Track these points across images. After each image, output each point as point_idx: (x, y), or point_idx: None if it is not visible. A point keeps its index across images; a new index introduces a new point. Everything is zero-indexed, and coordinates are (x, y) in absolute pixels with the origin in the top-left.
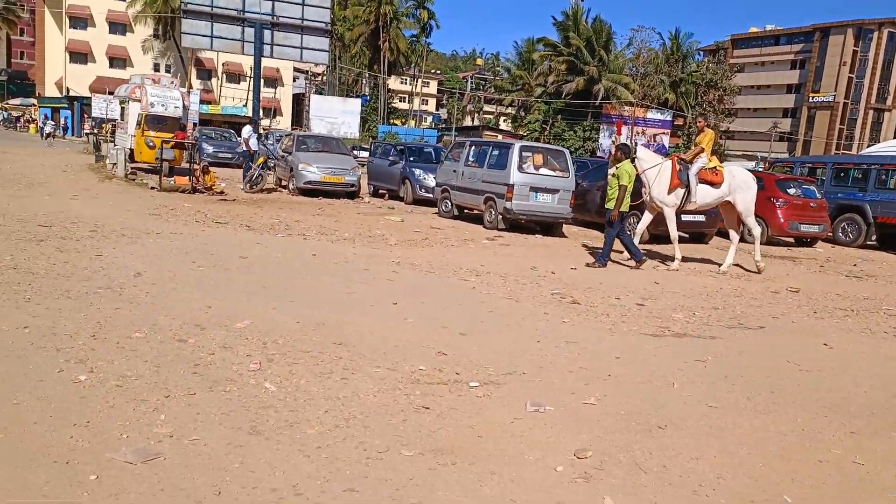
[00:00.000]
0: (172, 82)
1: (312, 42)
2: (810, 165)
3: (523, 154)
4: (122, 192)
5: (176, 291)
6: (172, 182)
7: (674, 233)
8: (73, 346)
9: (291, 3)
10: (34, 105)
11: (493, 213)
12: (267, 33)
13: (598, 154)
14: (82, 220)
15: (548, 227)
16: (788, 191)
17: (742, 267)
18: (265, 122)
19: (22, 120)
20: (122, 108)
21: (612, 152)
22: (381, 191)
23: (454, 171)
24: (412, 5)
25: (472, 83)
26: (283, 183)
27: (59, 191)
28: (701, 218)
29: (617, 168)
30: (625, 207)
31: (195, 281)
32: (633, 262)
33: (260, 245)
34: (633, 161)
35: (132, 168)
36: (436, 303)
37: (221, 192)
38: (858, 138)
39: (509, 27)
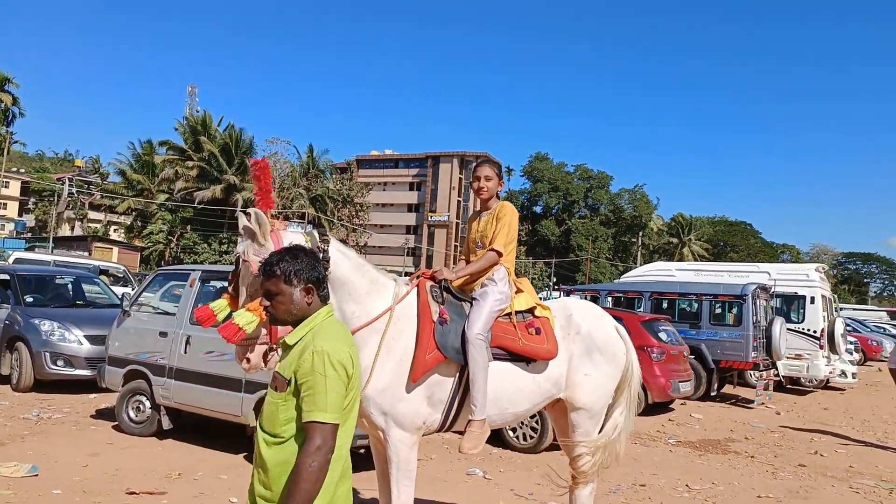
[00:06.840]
0: None
1: None
2: (619, 294)
3: None
4: None
5: None
6: None
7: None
8: None
9: None
10: None
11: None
12: None
13: None
14: None
15: None
16: (660, 335)
17: None
18: None
19: None
20: None
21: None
22: None
23: (165, 333)
24: None
25: (72, 186)
26: None
27: None
28: None
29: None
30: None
31: None
32: None
33: None
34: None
35: None
36: None
37: None
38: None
39: (110, 130)
